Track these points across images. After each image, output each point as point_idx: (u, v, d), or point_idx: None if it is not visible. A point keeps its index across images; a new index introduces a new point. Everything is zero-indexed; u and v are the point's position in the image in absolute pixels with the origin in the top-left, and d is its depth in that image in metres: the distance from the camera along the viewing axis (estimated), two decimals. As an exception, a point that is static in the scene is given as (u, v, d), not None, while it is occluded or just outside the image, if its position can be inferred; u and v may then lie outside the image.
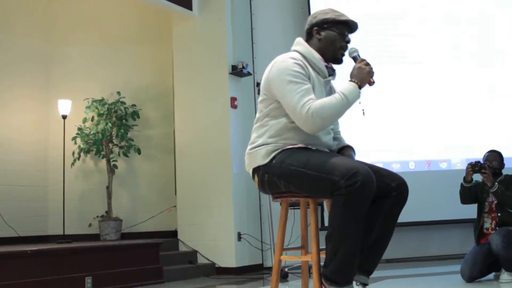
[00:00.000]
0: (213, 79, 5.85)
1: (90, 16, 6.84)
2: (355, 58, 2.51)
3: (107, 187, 6.25)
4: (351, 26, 2.55)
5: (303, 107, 2.29)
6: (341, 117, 2.42)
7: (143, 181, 6.62)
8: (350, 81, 2.41)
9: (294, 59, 2.42)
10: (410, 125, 5.97)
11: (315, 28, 2.55)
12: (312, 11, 5.95)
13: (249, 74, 5.86)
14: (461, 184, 4.27)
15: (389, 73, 5.72)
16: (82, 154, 6.27)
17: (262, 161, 2.43)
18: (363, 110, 2.48)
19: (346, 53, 2.56)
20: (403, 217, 2.50)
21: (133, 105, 6.45)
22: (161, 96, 6.74)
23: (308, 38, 2.59)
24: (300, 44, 2.57)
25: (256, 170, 2.49)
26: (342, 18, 2.52)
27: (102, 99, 6.36)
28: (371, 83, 2.43)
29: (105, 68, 6.73)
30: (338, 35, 2.52)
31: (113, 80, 6.65)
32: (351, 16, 2.58)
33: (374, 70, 2.44)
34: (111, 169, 6.28)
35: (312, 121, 2.29)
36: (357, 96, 2.38)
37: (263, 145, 2.45)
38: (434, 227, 5.99)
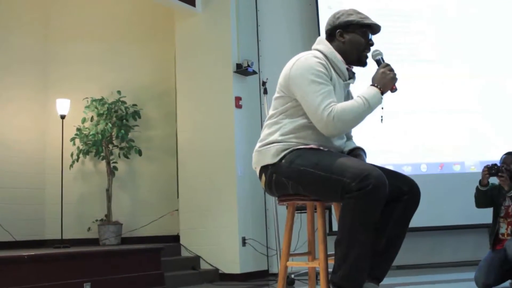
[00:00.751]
0: (216, 78, 5.84)
1: (90, 13, 6.85)
2: (378, 62, 2.51)
3: (107, 190, 6.25)
4: (374, 29, 2.56)
5: (325, 109, 2.29)
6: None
7: (144, 184, 6.62)
8: (372, 85, 2.41)
9: (318, 58, 2.42)
10: (422, 125, 5.94)
11: (338, 30, 2.54)
12: (320, 7, 5.94)
13: (254, 72, 5.84)
14: (477, 188, 4.24)
15: (399, 71, 5.69)
16: (81, 155, 6.26)
17: (271, 160, 2.43)
18: (381, 116, 2.47)
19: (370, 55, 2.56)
20: (414, 222, 2.48)
21: (134, 105, 6.45)
22: (163, 95, 6.74)
23: (330, 39, 2.57)
24: (323, 43, 2.55)
25: (264, 169, 2.49)
26: (367, 21, 2.53)
27: (102, 99, 6.36)
28: (393, 90, 2.43)
29: (105, 66, 6.73)
30: (362, 38, 2.52)
31: (113, 79, 6.65)
32: (363, 11, 2.57)
33: (397, 76, 2.43)
34: (111, 171, 6.28)
35: (333, 125, 2.29)
36: (379, 101, 2.38)
37: (273, 143, 2.45)
38: (447, 232, 5.96)
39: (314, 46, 2.58)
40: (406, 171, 5.73)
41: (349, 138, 2.73)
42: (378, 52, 2.53)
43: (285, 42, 6.02)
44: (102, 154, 6.29)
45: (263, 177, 2.49)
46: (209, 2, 6.00)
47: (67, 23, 6.81)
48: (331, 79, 2.41)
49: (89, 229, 6.30)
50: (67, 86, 6.59)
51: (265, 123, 2.55)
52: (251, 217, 5.71)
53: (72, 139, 6.25)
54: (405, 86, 5.73)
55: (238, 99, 5.74)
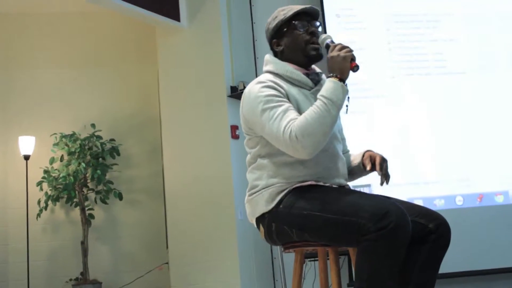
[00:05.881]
0: (208, 104, 5.87)
1: (56, 35, 6.93)
2: (327, 47, 2.47)
3: (82, 243, 6.24)
4: (308, 14, 2.57)
5: (285, 132, 2.30)
6: (334, 126, 2.37)
7: (127, 234, 6.62)
8: (328, 77, 2.39)
9: (262, 82, 2.46)
10: (455, 151, 5.92)
11: (274, 40, 2.62)
12: (327, 15, 5.97)
13: (252, 96, 5.87)
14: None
15: (425, 87, 5.72)
16: (50, 202, 6.28)
17: (266, 207, 2.47)
18: (346, 106, 2.43)
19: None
20: (450, 266, 2.47)
21: (112, 140, 6.49)
22: (146, 127, 6.78)
23: (275, 54, 2.64)
24: (269, 62, 2.61)
25: (260, 219, 2.53)
26: (291, 12, 2.55)
27: (73, 134, 6.40)
28: (354, 69, 2.37)
29: (76, 96, 6.80)
30: (298, 33, 2.54)
31: (86, 110, 6.71)
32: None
33: (354, 51, 2.38)
34: (87, 220, 6.28)
35: (300, 144, 2.28)
36: (343, 92, 2.34)
37: (264, 188, 2.49)
38: (493, 277, 5.90)
39: (264, 68, 2.63)
40: (439, 205, 5.70)
41: (347, 153, 2.76)
42: (325, 36, 2.50)
43: (288, 58, 6.05)
44: (75, 199, 6.30)
45: (262, 228, 2.53)
46: (196, 16, 6.07)
47: (30, 48, 6.89)
48: (288, 97, 2.43)
49: (62, 291, 6.28)
50: (31, 121, 6.65)
51: (248, 169, 2.61)
52: (256, 269, 5.68)
53: (39, 184, 6.27)
54: (433, 102, 5.79)
55: (234, 128, 5.76)
